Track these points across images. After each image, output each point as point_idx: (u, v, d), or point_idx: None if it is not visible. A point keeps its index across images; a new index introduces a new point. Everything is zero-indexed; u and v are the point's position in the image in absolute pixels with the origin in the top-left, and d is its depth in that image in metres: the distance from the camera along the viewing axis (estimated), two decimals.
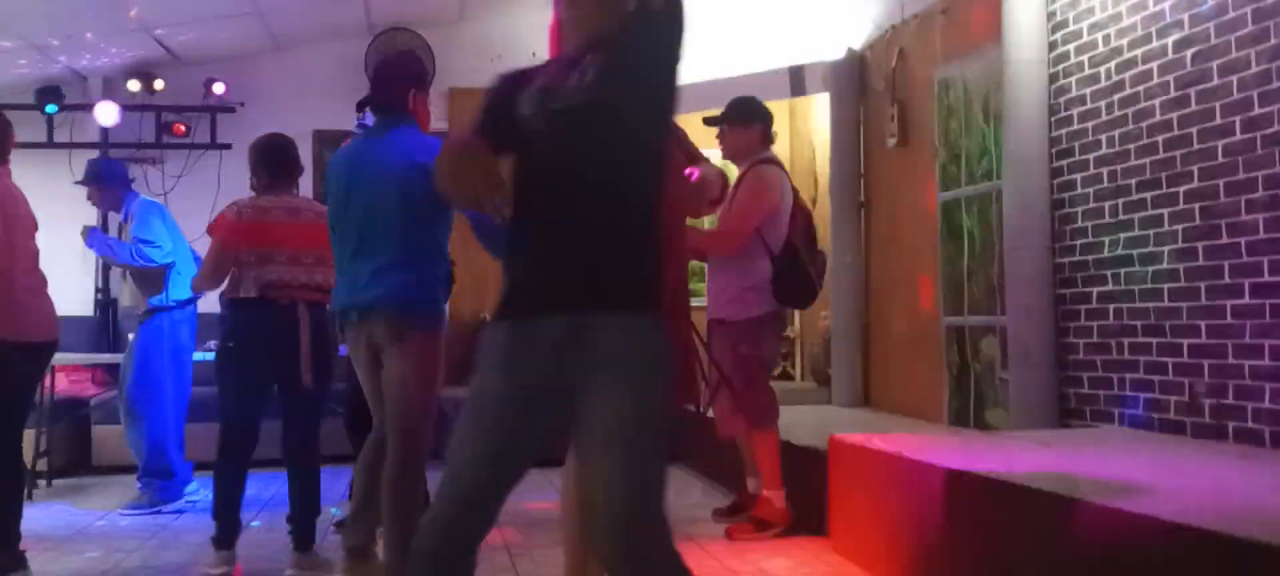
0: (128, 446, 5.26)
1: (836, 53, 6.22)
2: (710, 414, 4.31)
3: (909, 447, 3.56)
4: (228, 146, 7.13)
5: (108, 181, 5.39)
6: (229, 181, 6.83)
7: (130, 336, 5.57)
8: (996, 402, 4.65)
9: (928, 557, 3.25)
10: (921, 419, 5.22)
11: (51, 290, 6.15)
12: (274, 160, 3.98)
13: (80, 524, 4.82)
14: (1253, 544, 2.06)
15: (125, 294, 5.45)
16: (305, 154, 7.38)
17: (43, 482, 5.81)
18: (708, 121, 4.39)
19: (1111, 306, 4.11)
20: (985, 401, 4.74)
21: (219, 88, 7.18)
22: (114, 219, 6.40)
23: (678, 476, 6.01)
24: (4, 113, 4.03)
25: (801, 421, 4.93)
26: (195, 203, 6.53)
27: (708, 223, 5.05)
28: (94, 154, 7.21)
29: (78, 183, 5.50)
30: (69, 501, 5.40)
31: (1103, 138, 4.17)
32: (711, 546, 4.07)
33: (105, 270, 7.08)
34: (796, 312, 7.33)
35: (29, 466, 5.66)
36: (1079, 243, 4.29)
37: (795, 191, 4.37)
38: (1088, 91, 4.25)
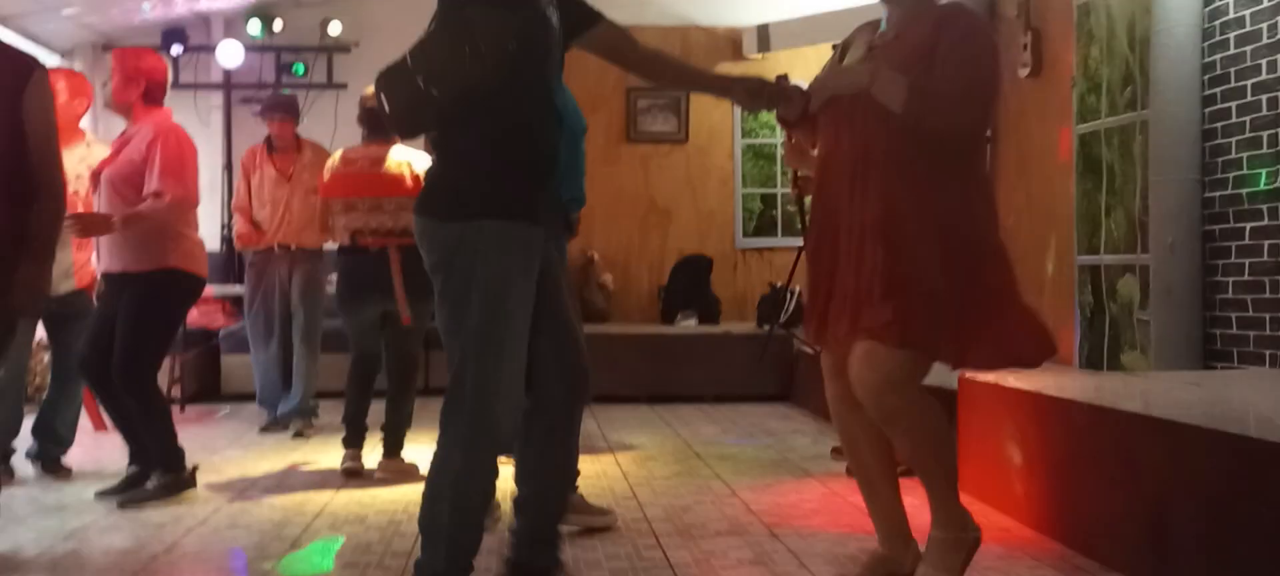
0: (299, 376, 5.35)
1: None
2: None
3: (1047, 386, 3.42)
4: (344, 86, 7.25)
5: (290, 110, 5.55)
6: (346, 121, 6.94)
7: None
8: (1134, 345, 4.44)
9: (1067, 498, 3.13)
10: (1051, 363, 5.04)
11: None
12: (370, 117, 4.25)
13: (216, 446, 5.02)
14: None
15: (303, 229, 5.31)
16: None
17: (176, 408, 6.06)
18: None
19: (1266, 243, 3.87)
20: (1121, 344, 4.54)
21: (335, 27, 7.29)
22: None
23: (790, 416, 5.97)
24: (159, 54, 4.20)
25: None
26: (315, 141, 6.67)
27: None
28: (217, 94, 7.45)
29: (270, 113, 5.52)
30: (201, 426, 5.63)
31: (1262, 62, 3.90)
32: (833, 483, 4.01)
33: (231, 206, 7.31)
34: None
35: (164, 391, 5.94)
36: (1231, 175, 4.04)
37: None
38: (1247, 12, 3.98)
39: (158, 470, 3.75)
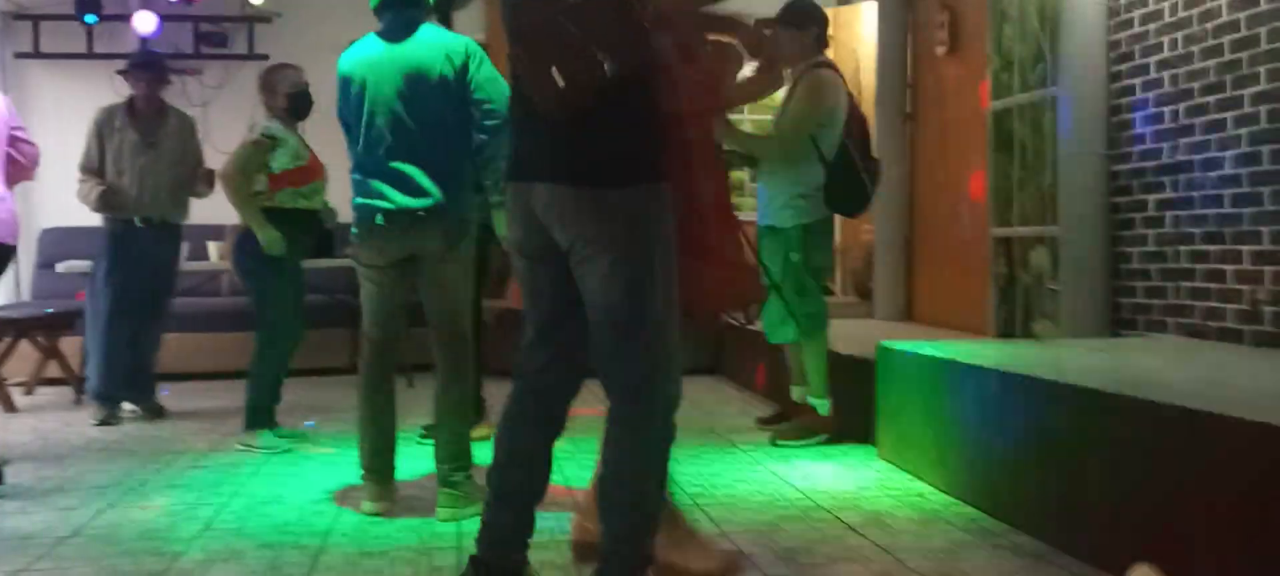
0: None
1: None
2: (758, 324, 4.28)
3: (961, 353, 3.52)
4: (265, 57, 7.07)
5: (161, 70, 5.20)
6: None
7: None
8: (1045, 314, 4.59)
9: (980, 463, 3.23)
10: (966, 332, 5.18)
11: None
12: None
13: (131, 420, 4.91)
14: None
15: (169, 204, 5.03)
16: None
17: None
18: (760, 24, 4.28)
19: (1168, 214, 4.03)
20: (1033, 313, 4.69)
21: None
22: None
23: (717, 387, 6.03)
24: None
25: (845, 334, 4.89)
26: (234, 114, 6.49)
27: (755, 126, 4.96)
28: None
29: (130, 69, 5.15)
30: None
31: (1165, 40, 4.04)
32: (757, 453, 4.08)
33: None
34: (838, 226, 7.25)
35: (77, 373, 5.76)
36: (1136, 149, 4.19)
37: (851, 96, 4.27)
38: None
39: None
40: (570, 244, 2.15)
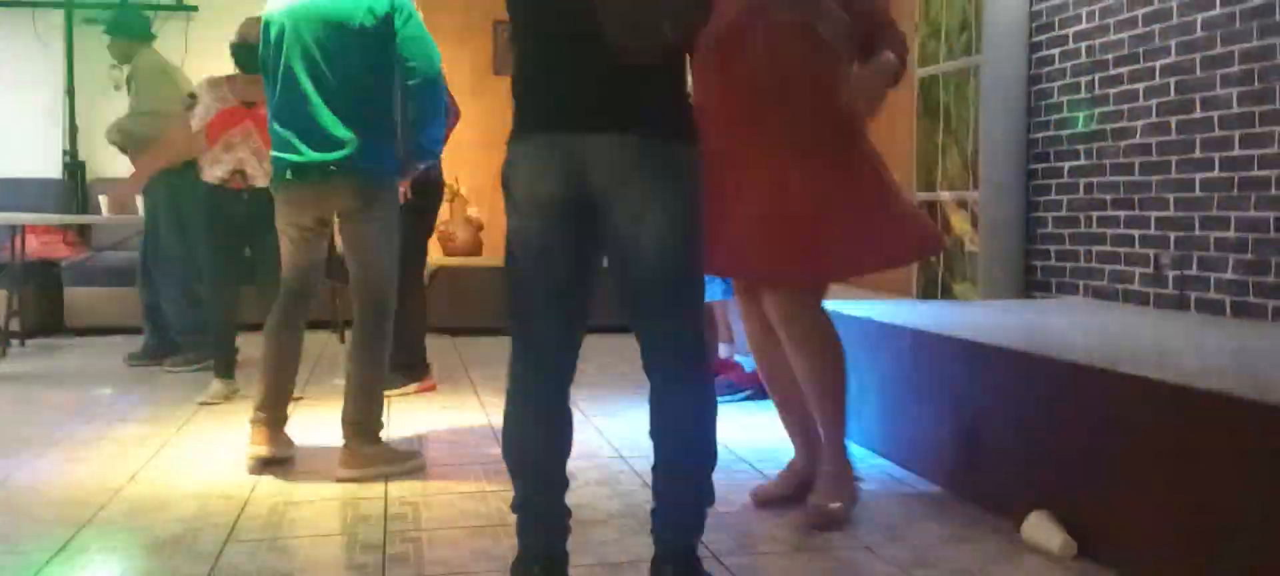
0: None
1: None
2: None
3: (877, 312, 3.64)
4: (194, 9, 6.96)
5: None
6: (198, 45, 6.70)
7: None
8: (964, 276, 4.74)
9: (891, 417, 3.35)
10: (890, 293, 5.32)
11: (20, 151, 6.06)
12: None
13: (58, 375, 4.85)
14: (1210, 394, 2.15)
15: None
16: None
17: (16, 343, 5.81)
18: None
19: (1082, 181, 4.17)
20: (954, 275, 4.83)
21: None
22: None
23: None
24: None
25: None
26: None
27: None
28: (58, 13, 7.04)
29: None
30: (44, 361, 5.41)
31: (1083, 11, 4.17)
32: None
33: (73, 133, 6.95)
34: None
35: (1, 326, 5.67)
36: (1053, 117, 4.33)
37: None
38: None
39: None
40: (627, 198, 2.02)
